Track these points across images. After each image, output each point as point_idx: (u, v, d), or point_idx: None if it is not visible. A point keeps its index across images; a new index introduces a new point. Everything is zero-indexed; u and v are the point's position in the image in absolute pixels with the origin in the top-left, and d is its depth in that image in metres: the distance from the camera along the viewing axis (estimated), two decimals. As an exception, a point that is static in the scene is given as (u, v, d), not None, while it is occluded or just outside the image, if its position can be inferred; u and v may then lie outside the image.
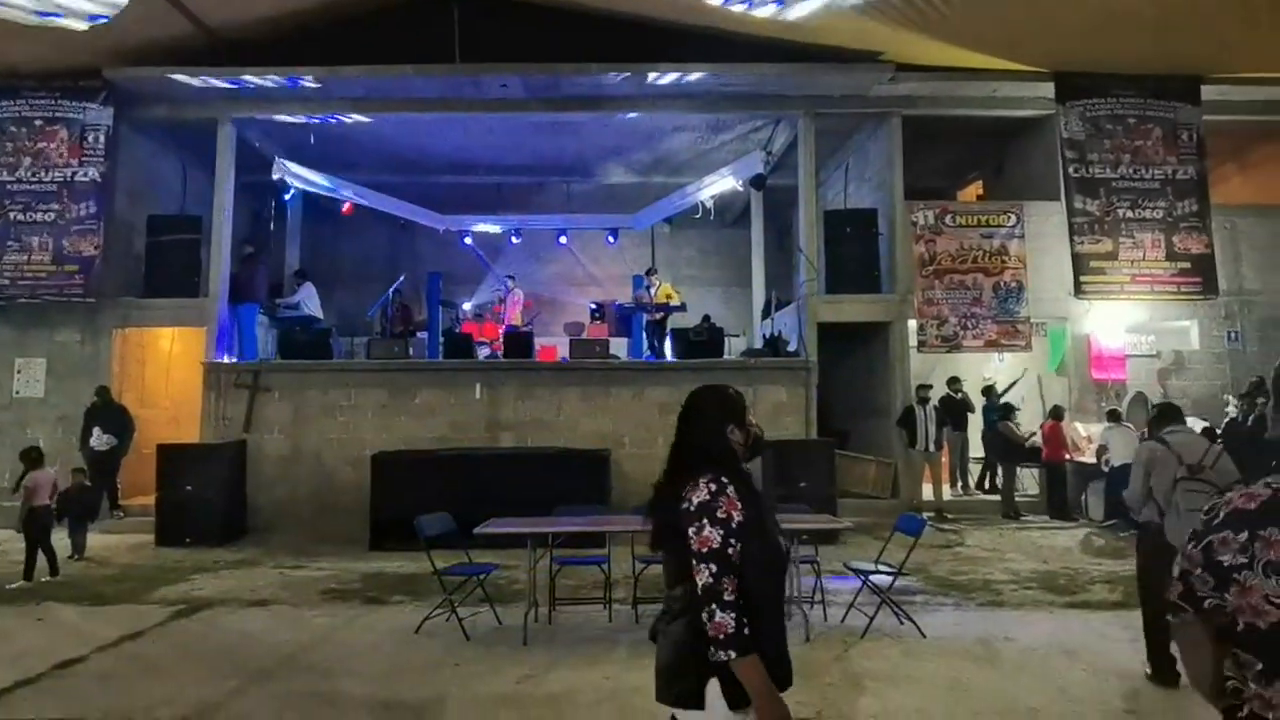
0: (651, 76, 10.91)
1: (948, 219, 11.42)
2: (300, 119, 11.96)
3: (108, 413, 10.58)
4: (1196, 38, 10.02)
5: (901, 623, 6.00)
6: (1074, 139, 11.34)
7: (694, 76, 10.92)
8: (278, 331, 11.99)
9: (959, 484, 12.26)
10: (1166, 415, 5.21)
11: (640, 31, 10.78)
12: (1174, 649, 4.97)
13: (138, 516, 10.50)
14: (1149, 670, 4.98)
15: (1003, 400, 11.87)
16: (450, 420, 10.88)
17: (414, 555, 7.19)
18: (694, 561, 2.15)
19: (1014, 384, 12.19)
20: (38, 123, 11.41)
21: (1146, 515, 4.93)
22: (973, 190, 14.85)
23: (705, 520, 2.16)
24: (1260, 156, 14.10)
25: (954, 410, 11.64)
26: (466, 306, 14.16)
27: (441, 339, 12.49)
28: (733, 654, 2.07)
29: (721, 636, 2.08)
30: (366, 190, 13.82)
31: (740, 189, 12.98)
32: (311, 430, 10.90)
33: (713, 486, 2.21)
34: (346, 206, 13.62)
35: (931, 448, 10.87)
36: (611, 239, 15.12)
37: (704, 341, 11.24)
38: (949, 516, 10.75)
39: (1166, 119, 11.45)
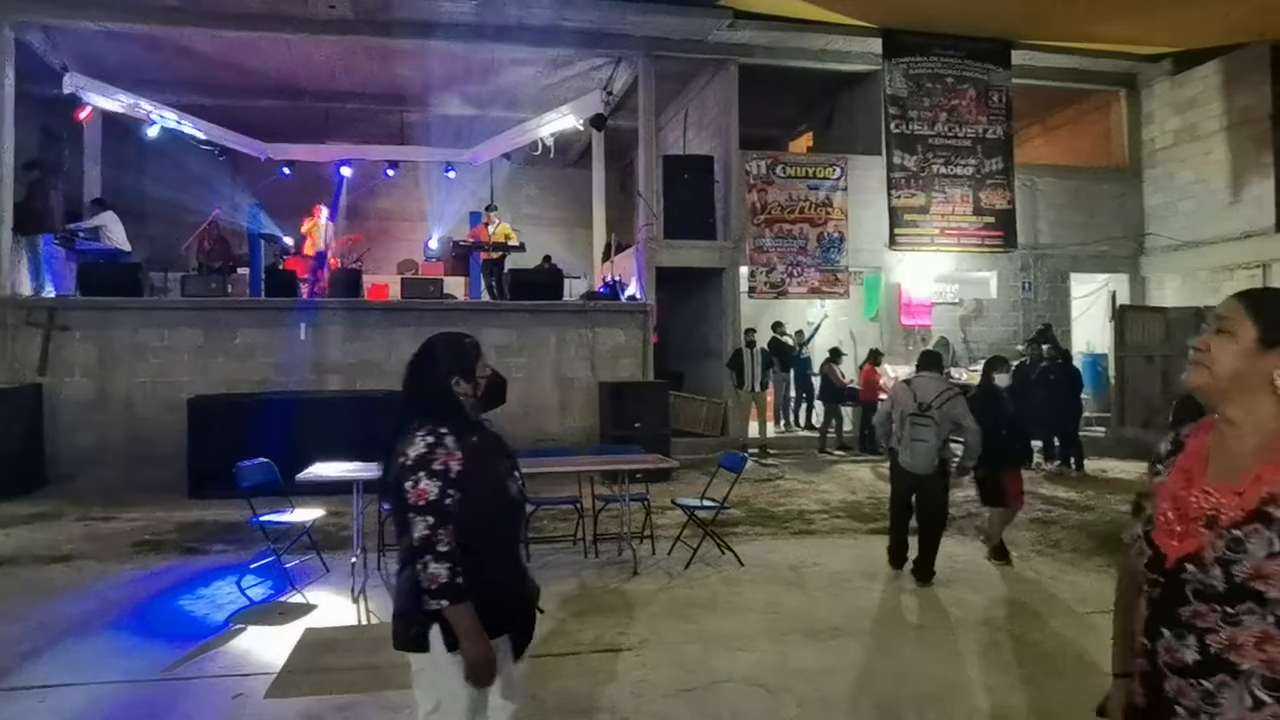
0: (490, 6, 10.51)
1: (778, 169, 11.84)
2: (98, 27, 10.70)
3: None
4: (1008, 5, 10.74)
5: (723, 553, 6.34)
6: (897, 95, 11.96)
7: (534, 9, 10.62)
8: (78, 265, 10.86)
9: (782, 421, 12.98)
10: (923, 361, 6.21)
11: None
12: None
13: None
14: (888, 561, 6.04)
15: (831, 347, 12.57)
16: (274, 362, 10.35)
17: (237, 502, 6.84)
18: (410, 515, 2.17)
19: (816, 328, 12.93)
20: None
21: (892, 444, 5.92)
22: (804, 141, 15.42)
23: (422, 473, 2.18)
24: (1060, 120, 15.45)
25: (779, 353, 12.23)
26: (290, 241, 13.30)
27: (264, 276, 11.75)
28: (445, 602, 2.15)
29: (434, 587, 2.14)
30: (178, 112, 12.61)
31: (581, 128, 12.86)
32: (120, 373, 10.07)
33: (430, 439, 2.22)
34: (154, 130, 12.40)
35: (757, 388, 11.42)
36: (450, 172, 14.59)
37: (543, 283, 11.19)
38: (771, 452, 11.38)
39: (980, 80, 12.27)
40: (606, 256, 12.18)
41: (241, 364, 10.28)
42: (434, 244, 15.27)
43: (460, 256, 13.42)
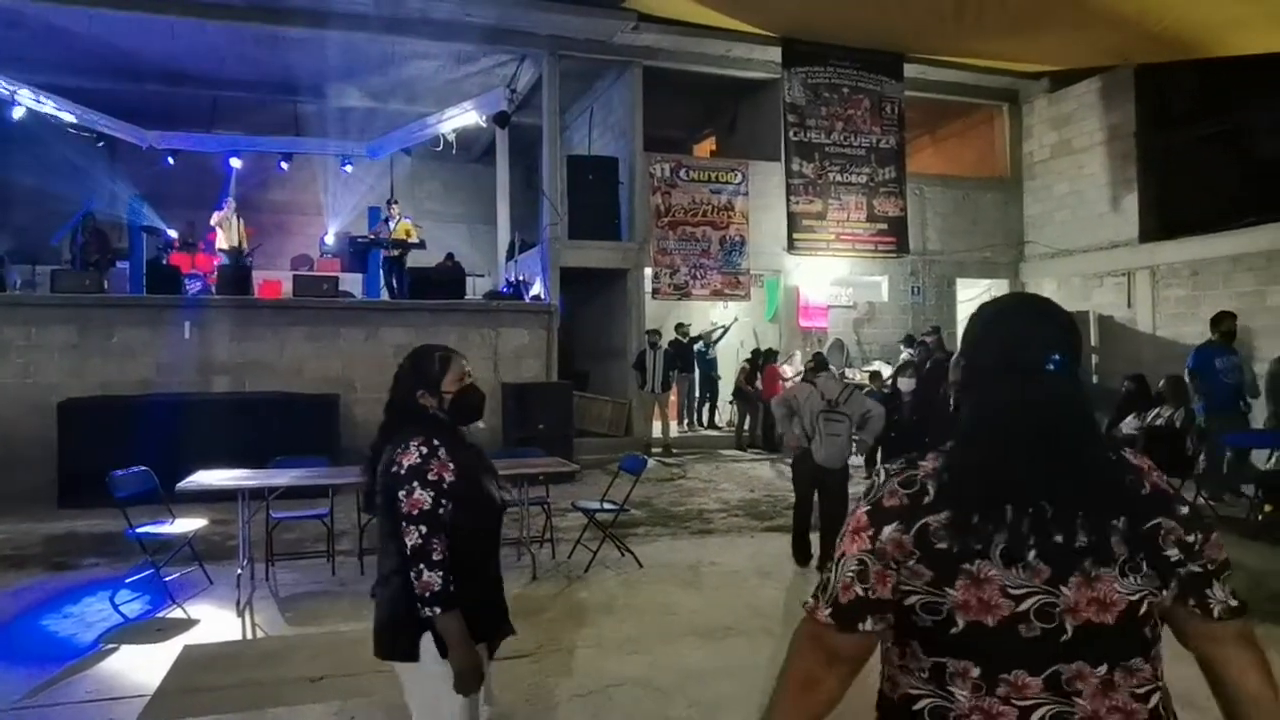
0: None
1: (682, 173, 11.99)
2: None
3: None
4: (899, 20, 11.14)
5: (622, 555, 6.39)
6: (795, 103, 12.26)
7: (435, 2, 10.41)
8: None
9: (686, 421, 13.15)
10: (819, 364, 6.70)
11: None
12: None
13: None
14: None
15: (757, 349, 12.80)
16: (155, 362, 9.81)
17: (113, 511, 6.48)
18: (404, 523, 2.23)
19: (726, 330, 13.15)
20: None
21: (799, 441, 6.18)
22: (708, 145, 15.65)
23: (416, 483, 2.24)
24: (948, 131, 16.16)
25: (681, 353, 12.39)
26: (173, 234, 12.64)
27: (145, 271, 11.15)
28: (438, 610, 2.21)
29: (428, 594, 2.20)
30: (46, 94, 11.78)
31: (484, 125, 12.68)
32: (-21, 373, 9.37)
33: (424, 449, 2.28)
34: (19, 111, 11.55)
35: (659, 388, 11.54)
36: (347, 166, 14.13)
37: (444, 282, 11.00)
38: (674, 452, 11.53)
39: (874, 91, 12.70)
40: (510, 255, 12.07)
41: (120, 364, 9.70)
42: (330, 239, 14.78)
43: (358, 252, 13.05)
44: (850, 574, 1.26)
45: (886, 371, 12.15)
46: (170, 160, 13.25)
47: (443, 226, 15.28)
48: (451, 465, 2.29)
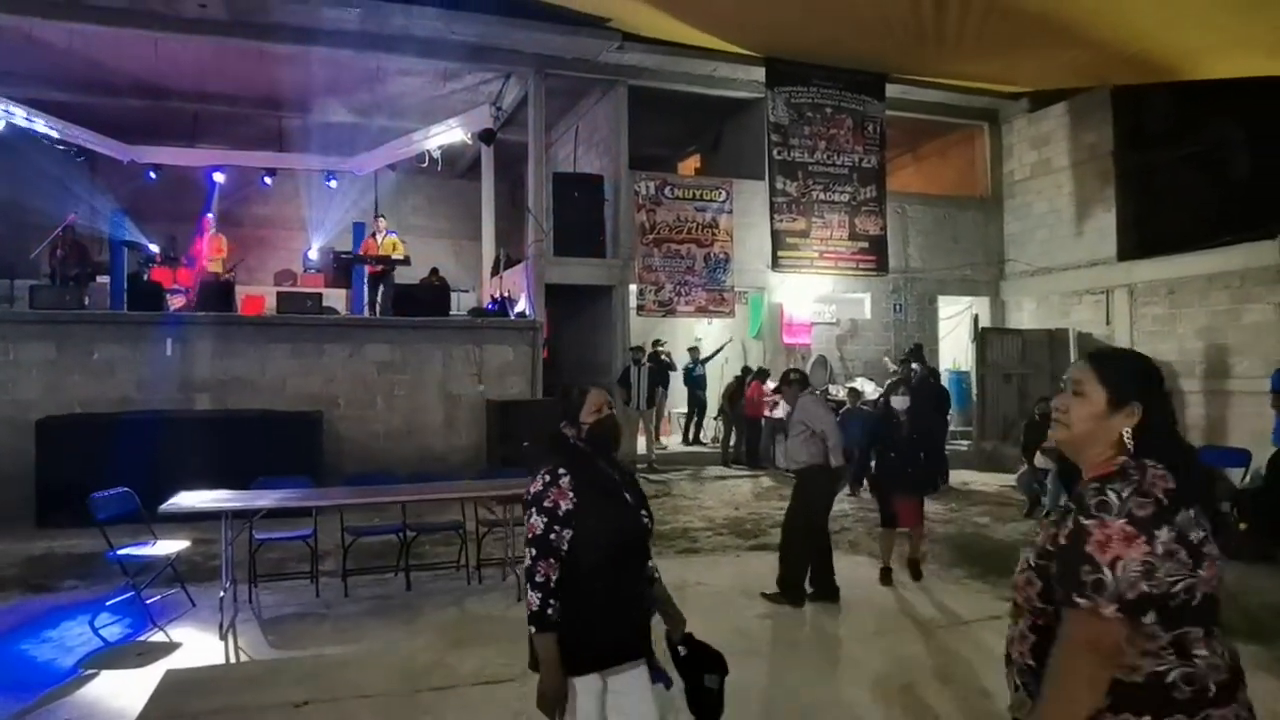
0: (375, 14, 10.27)
1: (667, 190, 12.06)
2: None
3: None
4: (881, 42, 11.28)
5: (608, 576, 6.36)
6: (779, 123, 12.37)
7: (421, 20, 10.44)
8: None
9: (683, 436, 13.16)
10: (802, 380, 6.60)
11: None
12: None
13: None
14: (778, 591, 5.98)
15: (746, 366, 12.82)
16: (135, 379, 9.71)
17: (92, 531, 6.39)
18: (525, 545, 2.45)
19: (720, 350, 13.19)
20: None
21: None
22: (692, 163, 15.74)
23: (534, 509, 2.44)
24: (928, 151, 16.35)
25: (660, 369, 12.41)
26: (155, 248, 12.54)
27: (126, 286, 11.04)
28: (533, 629, 2.39)
29: (529, 612, 2.39)
30: (25, 107, 11.67)
31: (469, 142, 12.70)
32: (-48, 388, 9.23)
33: (546, 478, 2.46)
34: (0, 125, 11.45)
35: (644, 405, 11.57)
36: (331, 182, 14.08)
37: (429, 298, 10.98)
38: (658, 468, 11.54)
39: (857, 111, 12.84)
40: (496, 271, 12.06)
41: (99, 381, 9.59)
42: (314, 254, 14.71)
43: (342, 268, 13.00)
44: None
45: (868, 389, 12.25)
46: (152, 175, 13.16)
47: (427, 241, 15.28)
48: (571, 494, 2.43)
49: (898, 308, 13.86)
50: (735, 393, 12.30)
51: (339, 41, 10.71)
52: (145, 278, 11.49)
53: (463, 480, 7.74)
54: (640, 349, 11.74)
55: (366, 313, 11.63)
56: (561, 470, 2.46)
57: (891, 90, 13.10)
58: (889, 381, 7.07)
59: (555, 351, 12.12)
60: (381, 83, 12.24)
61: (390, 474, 8.07)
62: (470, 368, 10.79)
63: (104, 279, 12.14)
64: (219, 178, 13.41)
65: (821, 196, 12.67)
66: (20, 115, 11.62)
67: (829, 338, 13.36)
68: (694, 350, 13.12)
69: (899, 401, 6.66)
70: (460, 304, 12.90)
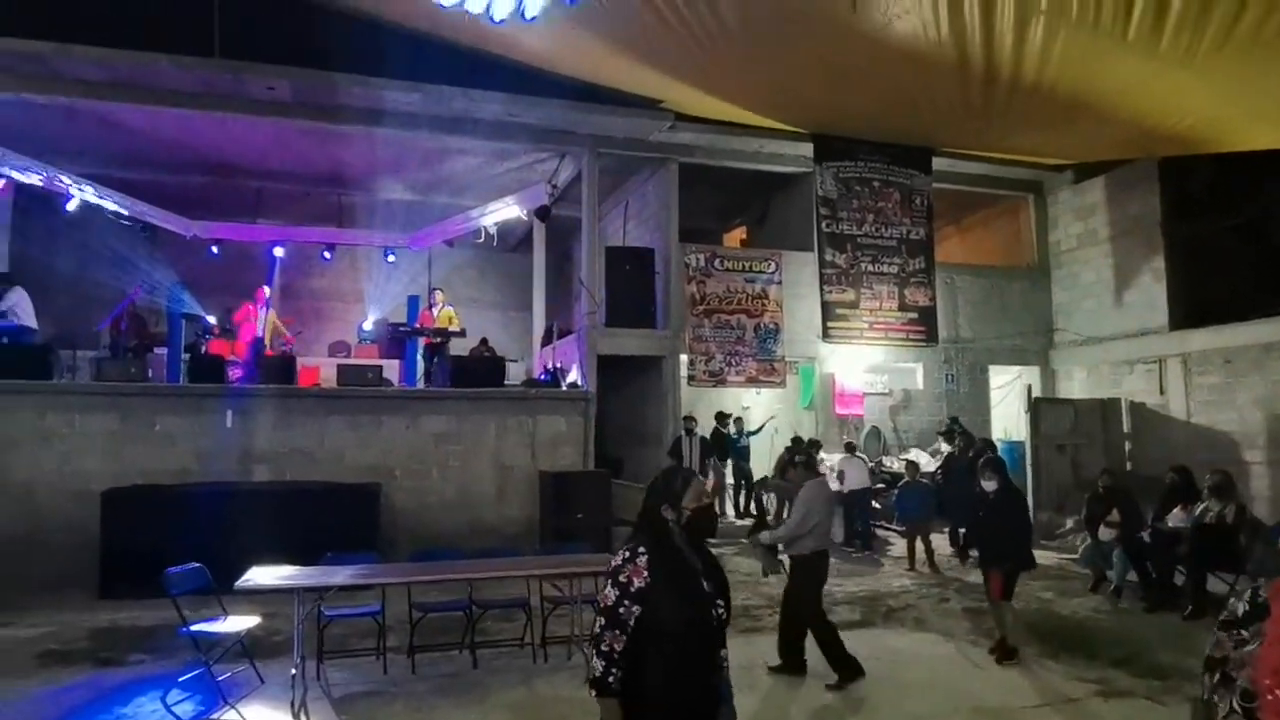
0: (437, 98, 10.63)
1: (717, 262, 12.19)
2: (14, 97, 10.28)
3: None
4: (927, 118, 11.47)
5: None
6: (828, 197, 12.53)
7: (482, 104, 10.79)
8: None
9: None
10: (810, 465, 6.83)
11: (427, 49, 10.45)
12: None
13: None
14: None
15: (796, 437, 12.67)
16: (195, 450, 9.78)
17: (155, 603, 6.38)
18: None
19: (765, 425, 13.09)
20: None
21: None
22: (737, 234, 15.94)
23: (610, 581, 2.55)
24: (972, 222, 16.44)
25: (719, 442, 12.33)
26: (213, 320, 12.81)
27: (185, 357, 11.24)
28: (594, 694, 2.52)
29: (592, 678, 2.52)
30: (97, 186, 12.11)
31: (525, 218, 12.99)
32: (20, 460, 9.30)
33: (626, 554, 2.58)
34: (73, 203, 11.86)
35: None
36: (390, 257, 14.43)
37: (484, 370, 11.07)
38: (712, 541, 11.36)
39: (904, 184, 12.99)
40: (547, 341, 12.18)
41: (160, 452, 9.69)
42: (368, 325, 14.97)
43: (397, 340, 13.17)
44: None
45: (923, 460, 12.08)
46: (214, 250, 13.53)
47: (477, 312, 15.46)
48: (646, 573, 2.53)
49: (949, 378, 13.77)
50: (787, 465, 12.14)
51: (401, 123, 11.04)
52: (203, 350, 11.70)
53: (524, 555, 7.66)
54: (692, 418, 11.69)
55: (420, 384, 11.74)
56: (641, 549, 2.56)
57: (936, 163, 13.26)
58: (982, 460, 7.05)
59: (604, 420, 12.07)
60: (440, 162, 12.60)
61: (452, 548, 8.06)
62: (523, 439, 10.80)
63: (161, 350, 12.39)
64: (279, 252, 13.77)
65: (870, 268, 12.74)
66: (90, 192, 12.06)
67: (882, 408, 13.26)
68: (739, 420, 13.05)
69: (989, 484, 6.62)
70: (510, 374, 12.97)
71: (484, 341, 13.20)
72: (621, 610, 2.49)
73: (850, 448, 11.53)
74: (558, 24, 9.25)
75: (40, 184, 11.56)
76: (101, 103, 10.45)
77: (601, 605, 2.55)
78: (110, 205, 12.33)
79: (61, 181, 11.63)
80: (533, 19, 8.37)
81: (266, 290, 12.70)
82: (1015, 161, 13.59)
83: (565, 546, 8.03)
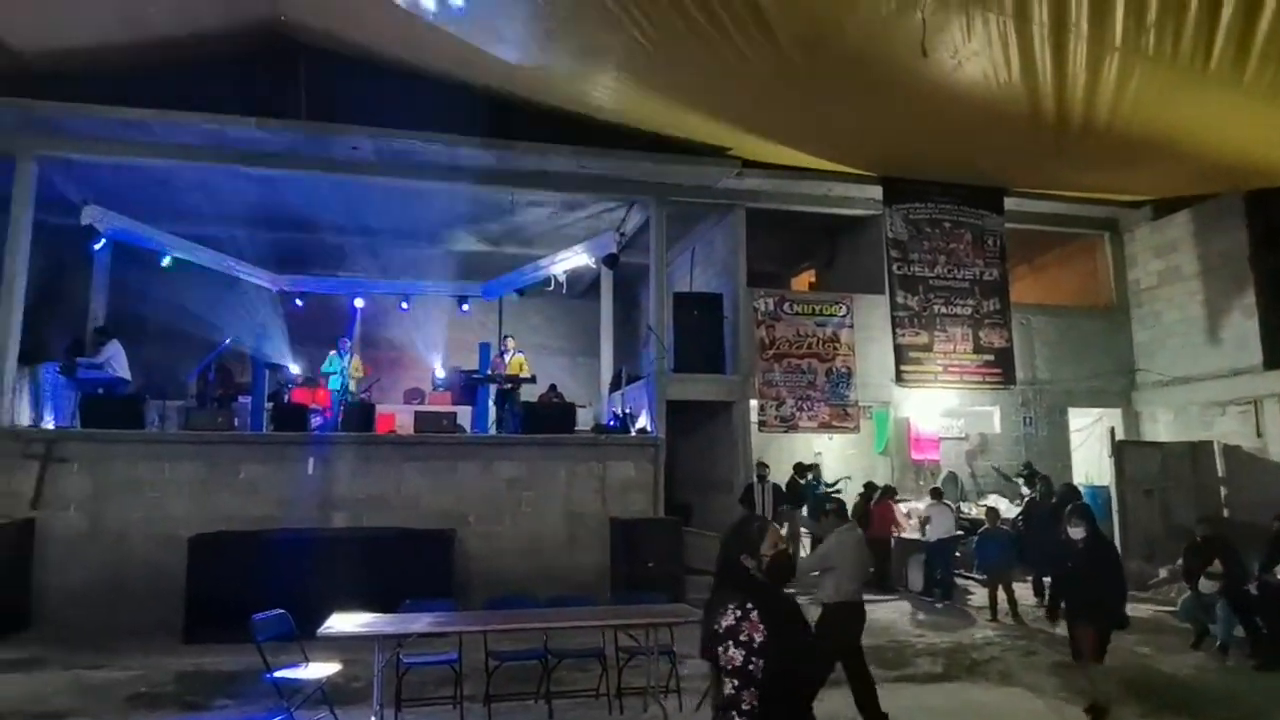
0: (509, 153, 10.96)
1: (786, 306, 12.14)
2: (117, 161, 10.96)
3: None
4: (999, 158, 11.34)
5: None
6: (898, 239, 12.43)
7: (552, 157, 11.07)
8: (79, 396, 10.72)
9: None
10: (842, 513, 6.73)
11: (500, 106, 10.81)
12: None
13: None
14: None
15: (870, 483, 12.45)
16: (277, 497, 10.07)
17: (237, 648, 6.53)
18: (722, 675, 2.59)
19: (839, 482, 12.83)
20: None
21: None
22: (805, 278, 15.88)
23: (730, 642, 2.58)
24: (1047, 260, 16.08)
25: (795, 491, 12.13)
26: (295, 370, 13.29)
27: (269, 406, 11.64)
28: None
29: None
30: (191, 243, 12.77)
31: (593, 266, 13.18)
32: (114, 507, 9.73)
33: (738, 613, 2.61)
34: (168, 259, 12.52)
35: (768, 524, 11.26)
36: (465, 306, 14.83)
37: (555, 416, 11.18)
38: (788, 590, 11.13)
39: (976, 225, 12.81)
40: (615, 387, 12.24)
41: (243, 499, 9.99)
42: (441, 373, 15.31)
43: (470, 386, 13.43)
44: None
45: (1002, 506, 11.69)
46: (299, 302, 14.09)
47: (545, 358, 15.67)
48: (762, 626, 2.58)
49: (1027, 421, 13.36)
50: (861, 512, 11.89)
51: (475, 178, 11.41)
52: (286, 398, 12.09)
53: (596, 603, 7.64)
54: (765, 465, 11.57)
55: (492, 430, 11.91)
56: (749, 604, 2.61)
57: (1008, 202, 13.06)
58: (1067, 510, 6.77)
59: (672, 466, 12.02)
60: (511, 214, 12.92)
61: (525, 595, 8.08)
62: (593, 485, 10.82)
63: (246, 399, 12.85)
64: (359, 303, 14.27)
65: (943, 310, 12.53)
66: (185, 250, 12.71)
67: (958, 453, 12.93)
68: (815, 468, 12.85)
69: (1075, 532, 6.36)
70: (579, 420, 13.06)
71: (553, 388, 13.35)
72: (751, 667, 2.55)
73: (937, 494, 11.20)
74: (625, 76, 9.51)
75: (137, 242, 12.22)
76: (196, 165, 11.03)
77: (731, 667, 2.57)
78: (201, 261, 12.96)
79: (157, 240, 12.28)
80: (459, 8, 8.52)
81: (348, 341, 13.12)
82: (1090, 199, 13.30)
83: (637, 595, 7.99)
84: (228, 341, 12.63)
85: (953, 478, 12.46)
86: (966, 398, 12.84)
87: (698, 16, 7.75)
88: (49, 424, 10.54)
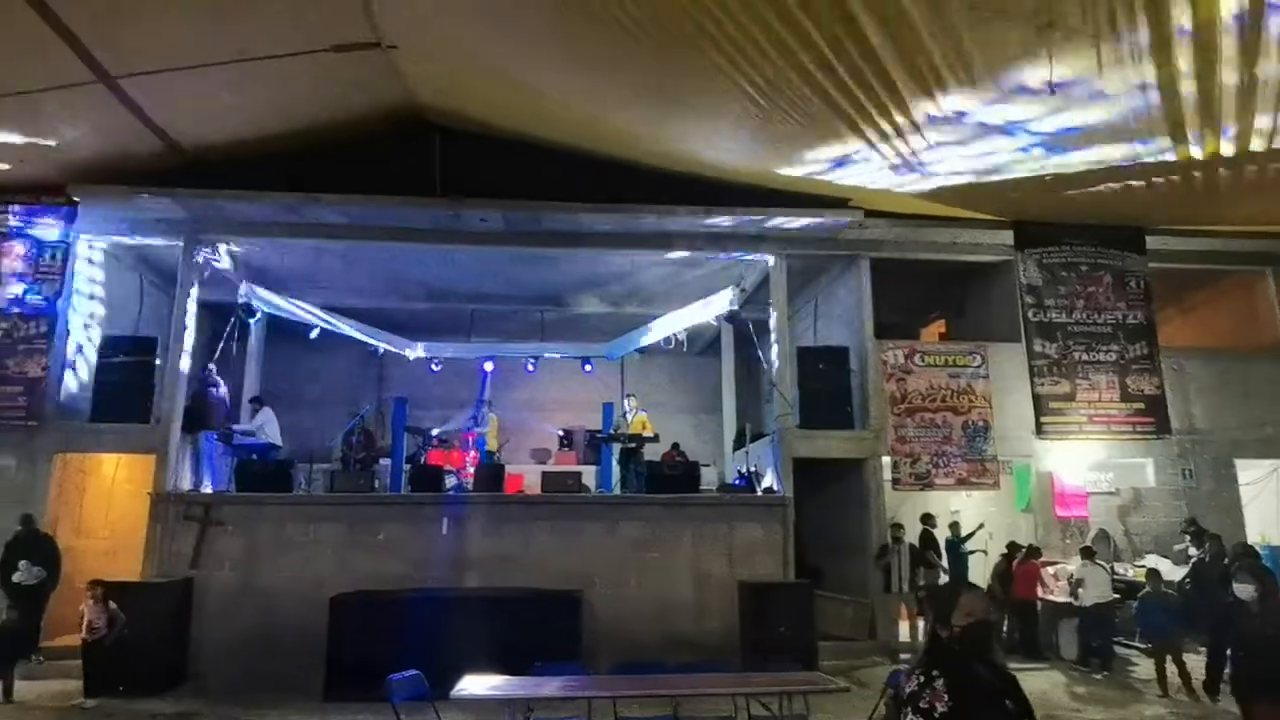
0: (631, 217, 11.21)
1: (916, 358, 11.73)
2: (273, 243, 11.87)
3: (32, 542, 9.82)
4: (1139, 196, 10.71)
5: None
6: (1032, 284, 11.87)
7: (672, 218, 11.25)
8: (235, 461, 11.48)
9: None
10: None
11: (622, 172, 11.09)
12: None
13: (62, 660, 9.48)
14: None
15: (1012, 542, 11.77)
16: (413, 557, 10.38)
17: (374, 706, 6.68)
18: None
19: (973, 533, 12.15)
20: (-4, 240, 11.08)
21: None
22: (935, 329, 15.33)
23: (909, 709, 2.61)
24: (1198, 301, 14.91)
25: (930, 547, 11.56)
26: (434, 432, 13.84)
27: (406, 467, 12.12)
28: None
29: None
30: (335, 315, 13.62)
31: (714, 323, 13.17)
32: (264, 566, 10.29)
33: (921, 679, 2.64)
34: (316, 331, 13.37)
35: (906, 587, 10.76)
36: (588, 367, 15.13)
37: (679, 476, 11.11)
38: (926, 659, 10.53)
39: (1115, 266, 12.10)
40: (739, 445, 12.06)
41: (381, 559, 10.35)
42: (566, 433, 15.57)
43: (593, 446, 13.58)
44: None
45: (1164, 567, 10.72)
46: (434, 367, 14.75)
47: (667, 417, 15.65)
48: (947, 696, 2.55)
49: (1186, 473, 12.28)
50: (1005, 572, 11.18)
51: (598, 242, 11.72)
52: (423, 460, 12.55)
53: (726, 669, 7.43)
54: (900, 526, 11.08)
55: (616, 490, 11.94)
56: (935, 672, 2.58)
57: (1151, 241, 12.28)
58: (1234, 568, 6.07)
59: (799, 528, 11.67)
60: (632, 274, 13.14)
61: (652, 659, 7.98)
62: (720, 546, 10.63)
63: (385, 461, 13.43)
64: (489, 367, 14.80)
65: (1084, 357, 11.81)
66: (333, 321, 13.54)
67: (1109, 509, 11.99)
68: (954, 525, 12.21)
69: (1243, 590, 5.68)
70: (703, 479, 12.93)
71: (676, 446, 13.31)
72: None
73: (1089, 553, 10.40)
74: (742, 134, 9.61)
75: (289, 315, 13.12)
76: (341, 242, 11.80)
77: None
78: (346, 331, 13.78)
79: (313, 315, 13.15)
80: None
81: (485, 404, 13.58)
82: (1245, 233, 12.32)
83: (769, 662, 7.75)
84: (369, 407, 13.30)
85: (1104, 536, 11.55)
86: (1115, 449, 11.95)
87: (815, 72, 7.77)
88: (207, 488, 11.28)
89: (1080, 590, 10.03)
